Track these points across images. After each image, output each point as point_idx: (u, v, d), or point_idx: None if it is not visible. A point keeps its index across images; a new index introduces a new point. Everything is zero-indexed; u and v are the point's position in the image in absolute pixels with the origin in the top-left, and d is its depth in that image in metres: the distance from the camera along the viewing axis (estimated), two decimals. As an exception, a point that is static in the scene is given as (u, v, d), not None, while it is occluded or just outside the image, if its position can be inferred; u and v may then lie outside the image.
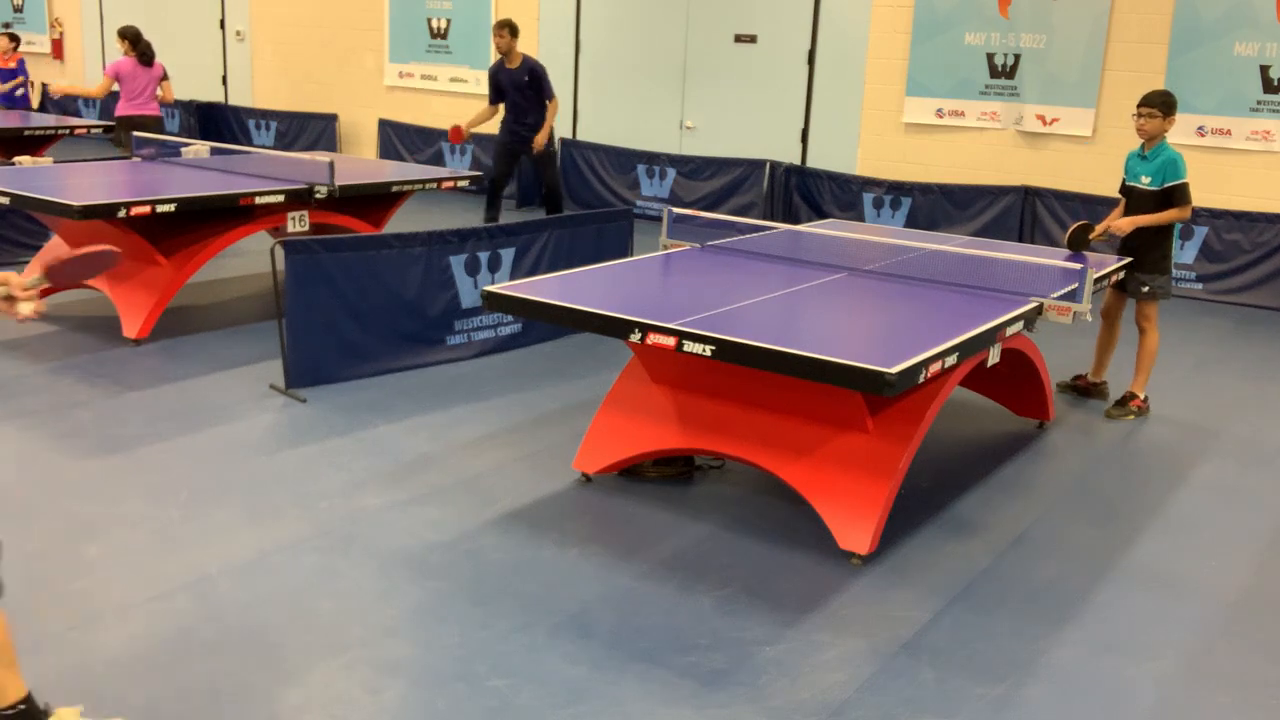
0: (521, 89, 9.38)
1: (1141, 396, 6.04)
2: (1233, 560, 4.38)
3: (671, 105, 11.86)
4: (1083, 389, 6.33)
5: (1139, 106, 5.91)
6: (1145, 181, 5.91)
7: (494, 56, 12.74)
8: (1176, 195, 5.82)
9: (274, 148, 14.03)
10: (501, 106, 9.66)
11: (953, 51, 10.17)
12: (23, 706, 2.69)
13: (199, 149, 8.43)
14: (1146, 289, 5.95)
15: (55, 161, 8.26)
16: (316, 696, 3.21)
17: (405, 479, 4.73)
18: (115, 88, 10.14)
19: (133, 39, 10.06)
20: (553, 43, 12.44)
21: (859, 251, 5.82)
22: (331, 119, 14.20)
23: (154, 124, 10.10)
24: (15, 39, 10.10)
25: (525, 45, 12.53)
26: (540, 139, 9.42)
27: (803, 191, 11.01)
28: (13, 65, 11.08)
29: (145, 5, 15.83)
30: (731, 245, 5.76)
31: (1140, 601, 4.01)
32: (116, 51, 10.54)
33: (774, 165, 11.08)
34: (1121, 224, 5.92)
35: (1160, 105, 5.84)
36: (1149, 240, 5.93)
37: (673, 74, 11.78)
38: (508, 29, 9.28)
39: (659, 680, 3.36)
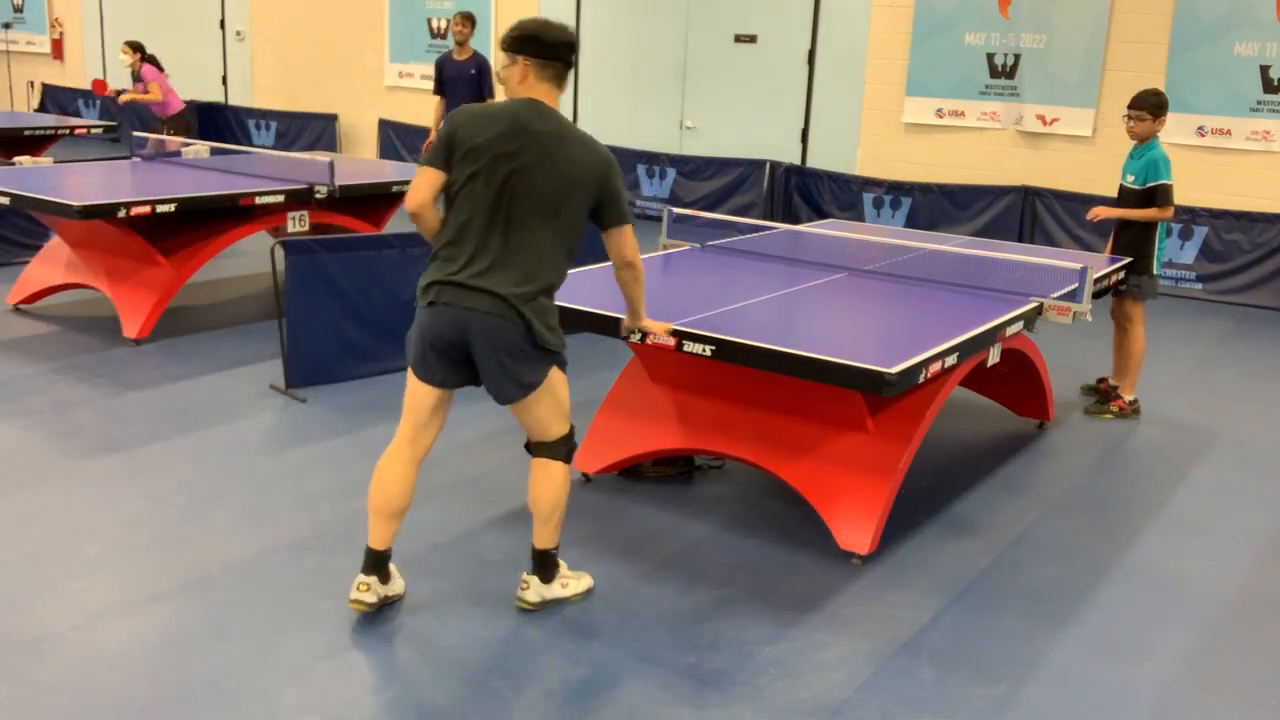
0: (464, 81, 9.38)
1: (1128, 399, 6.04)
2: (1233, 560, 4.38)
3: (671, 105, 11.86)
4: (1105, 391, 6.27)
5: (1129, 108, 5.93)
6: (1130, 180, 5.96)
7: (493, 54, 12.78)
8: (1158, 196, 5.85)
9: (274, 148, 14.04)
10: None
11: (953, 51, 10.17)
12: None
13: (199, 149, 8.44)
14: (1125, 288, 5.97)
15: (55, 161, 8.26)
16: (317, 696, 3.21)
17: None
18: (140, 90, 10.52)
19: (141, 49, 10.44)
20: (553, 43, 12.43)
21: (859, 251, 5.83)
22: (331, 119, 14.20)
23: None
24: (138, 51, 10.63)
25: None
26: None
27: (803, 191, 11.01)
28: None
29: (145, 5, 15.84)
30: (731, 245, 5.76)
31: (1140, 601, 4.01)
32: (119, 52, 10.74)
33: (774, 165, 11.08)
34: (1097, 211, 6.04)
35: (1150, 108, 5.85)
36: (1131, 240, 5.98)
37: (673, 74, 11.78)
38: (470, 21, 9.38)
39: (659, 680, 3.36)
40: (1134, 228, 5.96)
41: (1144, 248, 5.94)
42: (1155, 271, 5.98)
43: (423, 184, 3.41)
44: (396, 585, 3.72)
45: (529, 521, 4.40)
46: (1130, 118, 5.91)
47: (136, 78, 10.51)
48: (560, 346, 3.49)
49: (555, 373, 3.52)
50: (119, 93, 10.80)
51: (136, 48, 10.54)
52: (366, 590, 3.57)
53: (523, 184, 3.34)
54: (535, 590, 3.70)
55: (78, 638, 3.45)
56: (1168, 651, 3.67)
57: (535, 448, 3.62)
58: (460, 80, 9.41)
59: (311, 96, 14.48)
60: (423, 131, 13.37)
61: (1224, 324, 8.40)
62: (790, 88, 11.11)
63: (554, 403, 3.54)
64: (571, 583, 3.79)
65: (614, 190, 3.42)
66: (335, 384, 5.92)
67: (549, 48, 3.39)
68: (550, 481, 3.61)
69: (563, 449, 3.62)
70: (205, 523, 4.28)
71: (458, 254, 3.40)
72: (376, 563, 3.59)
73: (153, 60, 10.65)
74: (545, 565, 3.71)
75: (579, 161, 3.36)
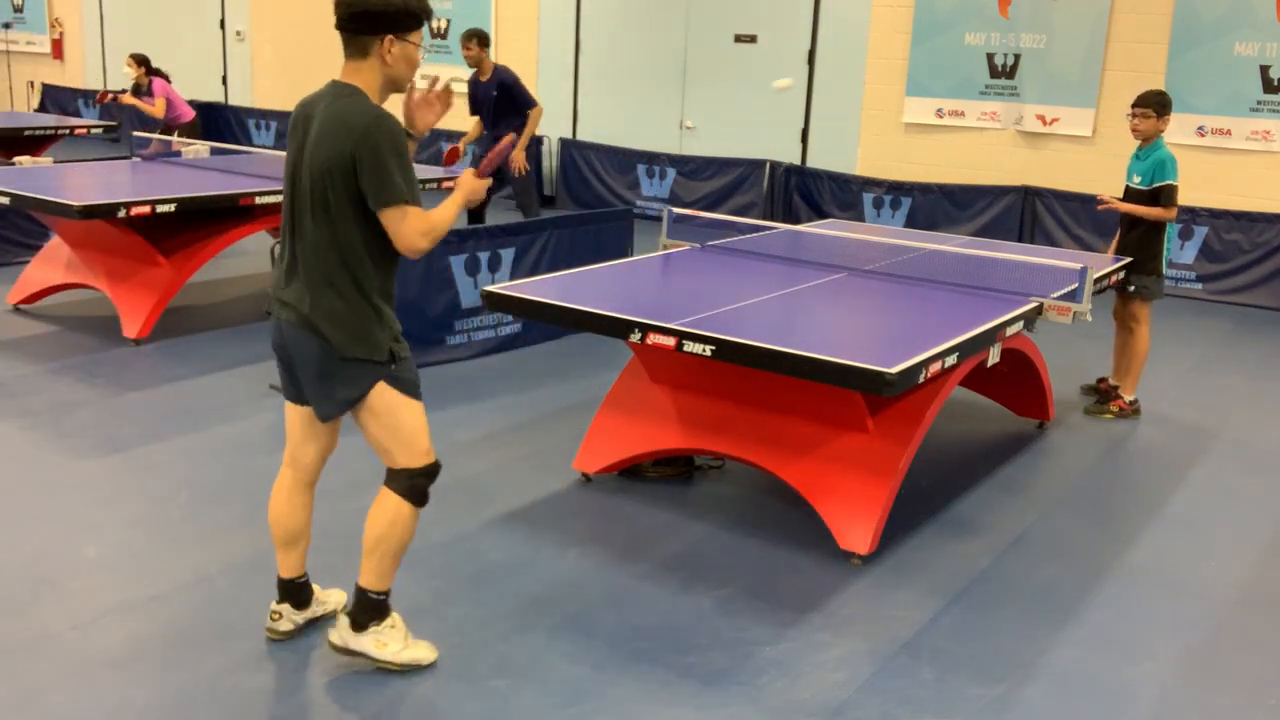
0: (489, 103, 8.46)
1: (1128, 399, 6.04)
2: (1233, 560, 4.38)
3: (671, 105, 11.86)
4: (1105, 391, 6.27)
5: (1133, 107, 5.93)
6: (1136, 181, 5.95)
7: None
8: (1163, 196, 5.83)
9: (274, 148, 14.03)
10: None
11: (953, 51, 10.16)
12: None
13: (199, 149, 8.43)
14: (1132, 288, 5.96)
15: (55, 161, 8.26)
16: (319, 696, 3.21)
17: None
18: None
19: (146, 62, 10.46)
20: (553, 42, 12.44)
21: (859, 251, 5.83)
22: (331, 119, 14.18)
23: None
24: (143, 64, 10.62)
25: (525, 45, 12.56)
26: (518, 157, 8.35)
27: (803, 191, 11.01)
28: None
29: (145, 5, 15.83)
30: (731, 245, 5.76)
31: (1140, 601, 4.01)
32: (118, 52, 10.74)
33: (774, 165, 11.08)
34: (1105, 197, 5.99)
35: (1155, 105, 5.85)
36: (1140, 241, 5.95)
37: (673, 74, 11.78)
38: (475, 40, 8.30)
39: (659, 680, 3.36)
40: (1141, 228, 5.93)
41: (1153, 248, 5.92)
42: (1163, 272, 5.97)
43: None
44: (324, 604, 3.60)
45: (530, 522, 4.41)
46: (1135, 116, 5.90)
47: (143, 90, 10.50)
48: (376, 355, 3.13)
49: (384, 392, 3.16)
50: (116, 95, 10.75)
51: (141, 61, 10.51)
52: (279, 619, 3.47)
53: (298, 181, 3.08)
54: (340, 633, 3.32)
55: (78, 638, 3.45)
56: (1168, 651, 3.67)
57: (386, 474, 3.29)
58: (486, 103, 8.47)
59: (311, 96, 14.47)
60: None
61: (1224, 324, 8.40)
62: (790, 88, 11.11)
63: (384, 427, 3.19)
64: (393, 646, 3.31)
65: (370, 163, 2.94)
66: (335, 384, 5.92)
67: (338, 20, 3.04)
68: (379, 512, 3.23)
69: (401, 482, 3.21)
70: (205, 523, 4.28)
71: (275, 264, 3.25)
72: (285, 591, 3.47)
73: (159, 73, 10.64)
74: (360, 608, 3.28)
75: (333, 138, 2.97)
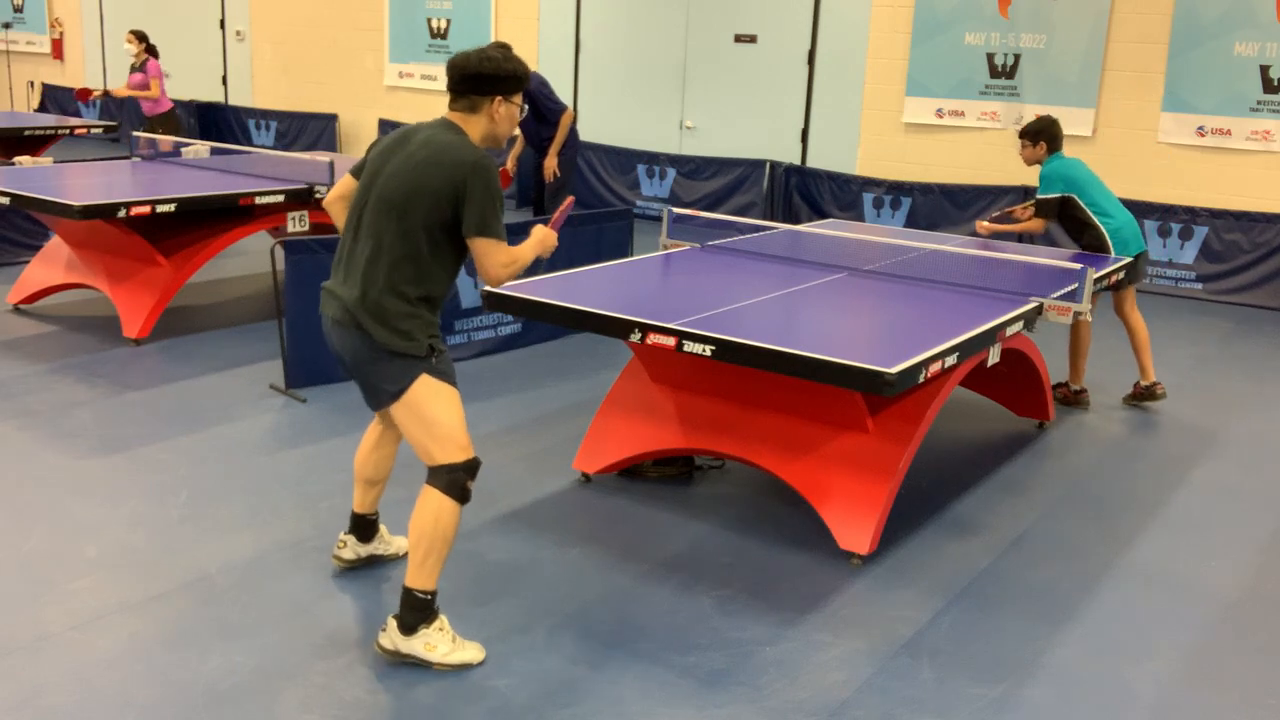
0: (526, 113, 8.04)
1: (1144, 383, 6.17)
2: (1233, 560, 4.38)
3: (671, 105, 11.85)
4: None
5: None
6: None
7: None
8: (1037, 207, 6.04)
9: (274, 148, 14.03)
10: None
11: (953, 51, 10.16)
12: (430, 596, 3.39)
13: (199, 149, 8.43)
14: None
15: (55, 161, 8.26)
16: (316, 696, 3.21)
17: (405, 479, 4.72)
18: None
19: (145, 38, 10.47)
20: (553, 43, 12.44)
21: (859, 251, 5.83)
22: (331, 119, 14.20)
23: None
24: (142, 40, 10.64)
25: (525, 46, 12.54)
26: (549, 164, 8.11)
27: (803, 191, 11.01)
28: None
29: (145, 5, 15.83)
30: (731, 245, 5.76)
31: (1140, 601, 4.01)
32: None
33: (774, 165, 11.08)
34: (987, 225, 6.20)
35: (1027, 135, 6.04)
36: (1079, 237, 6.08)
37: (673, 74, 11.78)
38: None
39: (659, 680, 3.36)
40: (1076, 225, 6.04)
41: (1095, 243, 6.01)
42: (1116, 253, 5.97)
43: (339, 184, 3.62)
44: (388, 544, 4.00)
45: (530, 522, 4.41)
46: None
47: (138, 68, 10.50)
48: (417, 351, 3.30)
49: (426, 386, 3.31)
50: (106, 93, 10.75)
51: (142, 38, 10.56)
52: (343, 547, 3.92)
53: (379, 191, 3.33)
54: (390, 636, 3.37)
55: (78, 638, 3.45)
56: (1168, 651, 3.67)
57: (428, 473, 3.40)
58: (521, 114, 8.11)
59: (311, 96, 14.48)
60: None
61: (1224, 324, 8.40)
62: (790, 88, 11.11)
63: (420, 422, 3.32)
64: (441, 648, 3.35)
65: (476, 196, 3.23)
66: (335, 384, 5.92)
67: (451, 81, 3.40)
68: (422, 510, 3.32)
69: (440, 479, 3.32)
70: (205, 523, 4.28)
71: (334, 261, 3.49)
72: (354, 523, 3.91)
73: (154, 53, 10.68)
74: (408, 608, 3.34)
75: (434, 164, 3.25)
